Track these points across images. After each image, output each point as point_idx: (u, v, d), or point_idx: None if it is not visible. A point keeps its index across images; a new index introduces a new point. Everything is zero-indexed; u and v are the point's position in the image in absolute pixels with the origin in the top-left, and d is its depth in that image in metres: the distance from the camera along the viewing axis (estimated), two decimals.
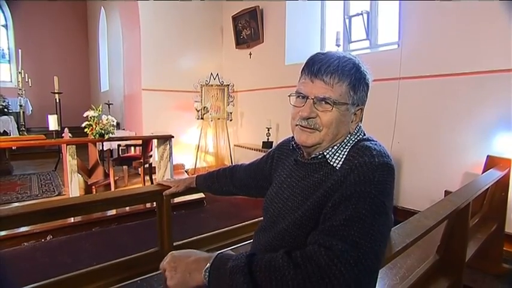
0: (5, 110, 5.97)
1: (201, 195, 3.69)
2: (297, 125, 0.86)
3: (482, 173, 2.37)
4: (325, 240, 0.66)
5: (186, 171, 5.34)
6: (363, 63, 0.86)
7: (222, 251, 0.75)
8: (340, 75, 0.80)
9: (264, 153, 1.20)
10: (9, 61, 8.72)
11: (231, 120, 5.32)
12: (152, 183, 4.18)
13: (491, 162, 2.41)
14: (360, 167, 0.74)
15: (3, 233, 2.63)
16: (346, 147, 0.84)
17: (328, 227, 0.69)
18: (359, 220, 0.67)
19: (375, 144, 0.82)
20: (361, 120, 0.89)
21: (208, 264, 0.70)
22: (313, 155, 0.88)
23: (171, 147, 3.95)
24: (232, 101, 5.32)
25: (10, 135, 5.60)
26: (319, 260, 0.62)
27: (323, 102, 0.81)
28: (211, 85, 5.25)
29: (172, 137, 3.98)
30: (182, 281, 0.71)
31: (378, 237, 0.67)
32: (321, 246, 0.65)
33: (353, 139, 0.86)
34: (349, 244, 0.64)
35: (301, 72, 0.87)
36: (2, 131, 5.60)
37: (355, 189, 0.71)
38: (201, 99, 5.17)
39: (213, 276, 0.68)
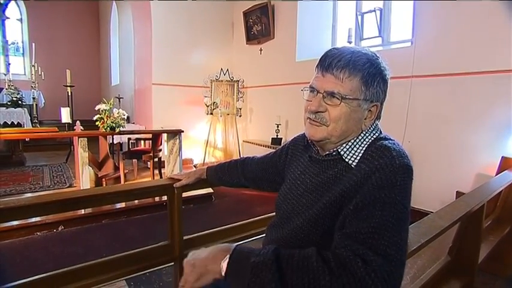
0: (19, 102, 6.06)
1: (209, 190, 3.71)
2: (307, 119, 0.86)
3: (496, 174, 2.32)
4: (356, 248, 0.65)
5: (194, 166, 5.37)
6: (382, 59, 0.84)
7: (239, 243, 0.74)
8: (351, 69, 0.78)
9: (275, 148, 1.19)
10: (23, 54, 8.89)
11: (240, 116, 5.32)
12: (161, 177, 4.21)
13: (506, 164, 2.36)
14: (381, 170, 0.73)
15: (16, 222, 2.68)
16: (362, 145, 0.83)
17: (355, 233, 0.67)
18: (387, 229, 0.66)
19: (393, 143, 0.80)
20: (379, 118, 0.87)
21: (227, 256, 0.68)
22: (327, 152, 0.87)
23: (180, 142, 3.97)
24: (241, 97, 5.31)
25: (23, 127, 5.70)
26: (355, 271, 0.61)
27: (332, 97, 0.80)
28: (221, 80, 5.26)
29: (182, 131, 4.00)
30: (199, 276, 0.71)
31: (404, 246, 0.68)
32: (357, 256, 0.63)
33: (369, 137, 0.84)
34: (383, 257, 0.63)
35: (315, 67, 0.86)
36: (16, 123, 5.70)
37: (379, 194, 0.70)
38: (211, 95, 5.18)
39: (231, 270, 0.67)
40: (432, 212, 1.26)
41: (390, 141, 0.81)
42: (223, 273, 0.68)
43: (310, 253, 0.66)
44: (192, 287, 0.72)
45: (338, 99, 0.79)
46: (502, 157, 2.45)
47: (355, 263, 0.62)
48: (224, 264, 0.68)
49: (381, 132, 0.87)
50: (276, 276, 0.62)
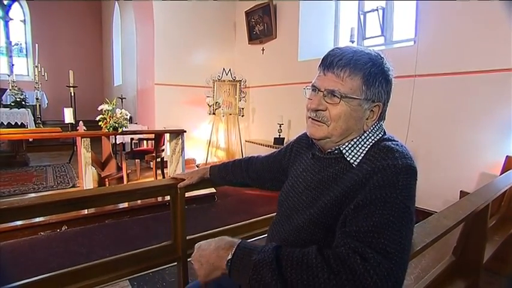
0: (22, 102, 6.08)
1: (212, 190, 3.70)
2: (309, 118, 0.86)
3: (501, 173, 2.30)
4: (355, 246, 0.65)
5: (197, 166, 5.38)
6: (386, 60, 0.84)
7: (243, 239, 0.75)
8: (352, 68, 0.79)
9: (278, 148, 1.19)
10: (26, 55, 8.91)
11: (242, 115, 5.32)
12: (164, 177, 4.22)
13: (511, 163, 2.35)
14: (383, 170, 0.72)
15: (20, 222, 2.69)
16: (365, 145, 0.82)
17: (355, 231, 0.67)
18: (387, 227, 0.66)
19: (397, 144, 0.79)
20: (383, 119, 0.87)
21: (230, 255, 0.70)
22: (329, 150, 0.87)
23: (183, 142, 3.97)
24: (244, 97, 5.31)
25: (27, 127, 5.72)
26: (354, 268, 0.61)
27: (332, 95, 0.80)
28: (224, 80, 5.26)
29: (185, 131, 4.00)
30: (208, 272, 0.74)
31: (406, 245, 0.66)
32: (356, 253, 0.63)
33: (373, 137, 0.84)
34: (382, 254, 0.62)
35: (318, 66, 0.86)
36: (19, 123, 5.73)
37: (381, 194, 0.69)
38: (213, 95, 5.18)
39: (235, 267, 0.69)
40: (436, 212, 1.25)
41: (394, 142, 0.81)
42: (227, 271, 0.70)
43: (310, 251, 0.67)
44: (204, 281, 0.76)
45: (338, 97, 0.80)
46: (507, 156, 2.43)
47: (354, 260, 0.62)
48: (228, 264, 0.70)
49: (385, 133, 0.86)
50: (276, 274, 0.63)
